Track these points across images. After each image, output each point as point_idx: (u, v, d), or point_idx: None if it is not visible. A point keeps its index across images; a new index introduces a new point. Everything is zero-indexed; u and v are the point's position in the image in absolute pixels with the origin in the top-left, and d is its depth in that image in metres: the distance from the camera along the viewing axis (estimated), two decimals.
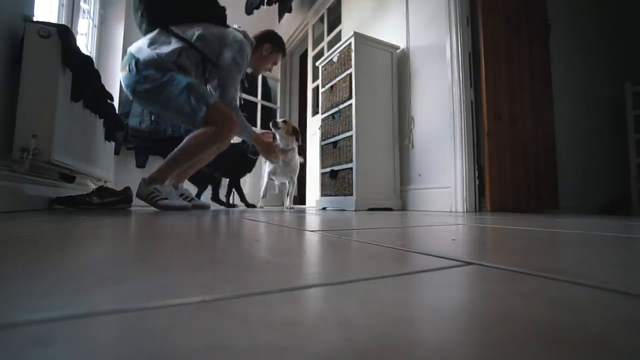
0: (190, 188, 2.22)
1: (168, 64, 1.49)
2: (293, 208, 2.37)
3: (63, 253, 0.36)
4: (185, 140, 1.52)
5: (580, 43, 2.61)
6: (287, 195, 2.47)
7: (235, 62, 1.61)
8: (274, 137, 2.16)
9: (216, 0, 1.69)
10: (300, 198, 4.02)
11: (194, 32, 1.56)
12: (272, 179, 2.43)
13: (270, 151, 1.87)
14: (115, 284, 0.23)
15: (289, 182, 2.43)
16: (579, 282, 0.24)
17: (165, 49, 1.50)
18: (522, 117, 2.01)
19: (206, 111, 1.49)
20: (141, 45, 1.53)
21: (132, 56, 1.51)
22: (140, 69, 1.48)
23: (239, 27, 1.74)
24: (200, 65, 1.61)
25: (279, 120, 2.24)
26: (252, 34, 1.79)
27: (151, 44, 1.52)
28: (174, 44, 1.52)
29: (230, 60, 1.60)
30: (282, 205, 2.57)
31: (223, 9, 1.72)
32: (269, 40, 1.85)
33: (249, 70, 1.93)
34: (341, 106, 2.20)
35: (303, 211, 1.81)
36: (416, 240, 0.51)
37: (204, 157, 1.69)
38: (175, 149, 1.52)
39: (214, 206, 2.40)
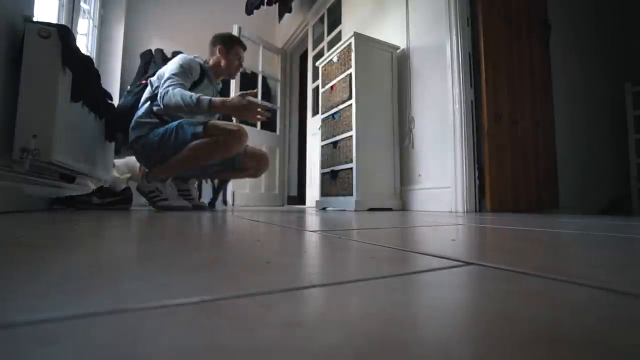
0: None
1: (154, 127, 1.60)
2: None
3: (63, 253, 0.36)
4: (192, 143, 1.52)
5: (581, 43, 2.61)
6: None
7: (172, 70, 1.57)
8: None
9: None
10: (300, 198, 4.01)
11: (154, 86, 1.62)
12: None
13: (247, 109, 1.50)
14: (115, 284, 0.23)
15: None
16: (579, 282, 0.24)
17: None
18: (522, 117, 2.00)
19: (205, 128, 1.52)
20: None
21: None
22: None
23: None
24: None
25: None
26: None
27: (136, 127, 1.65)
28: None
29: (169, 71, 1.58)
30: (282, 206, 2.37)
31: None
32: (216, 43, 1.83)
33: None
34: (341, 106, 2.20)
35: (304, 211, 1.81)
36: (416, 241, 0.51)
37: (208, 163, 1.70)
38: (182, 151, 1.53)
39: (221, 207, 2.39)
